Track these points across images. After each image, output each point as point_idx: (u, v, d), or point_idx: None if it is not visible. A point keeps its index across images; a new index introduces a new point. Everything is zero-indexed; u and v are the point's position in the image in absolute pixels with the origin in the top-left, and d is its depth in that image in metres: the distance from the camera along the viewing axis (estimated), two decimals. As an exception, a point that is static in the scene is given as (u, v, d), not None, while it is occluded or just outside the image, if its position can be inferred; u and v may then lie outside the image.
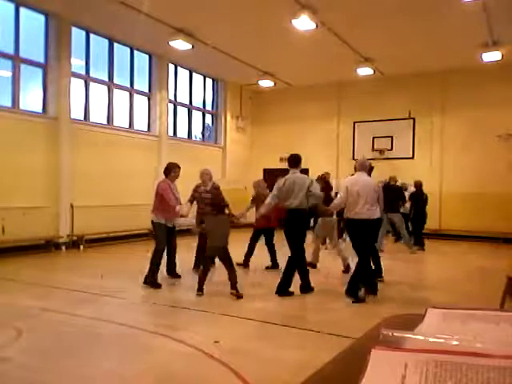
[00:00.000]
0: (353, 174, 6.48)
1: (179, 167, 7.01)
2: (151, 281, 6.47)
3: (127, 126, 12.44)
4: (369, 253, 6.13)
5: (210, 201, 6.94)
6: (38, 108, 10.30)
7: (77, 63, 10.97)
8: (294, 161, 6.37)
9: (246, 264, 8.10)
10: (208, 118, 15.87)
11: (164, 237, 6.70)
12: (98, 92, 11.65)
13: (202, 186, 7.63)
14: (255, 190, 8.35)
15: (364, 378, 0.56)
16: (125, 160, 11.75)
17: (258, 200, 7.84)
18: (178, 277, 7.11)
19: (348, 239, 7.18)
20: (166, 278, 7.05)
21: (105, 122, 11.77)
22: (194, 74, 14.72)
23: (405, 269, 8.69)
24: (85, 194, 10.59)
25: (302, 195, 6.03)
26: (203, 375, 3.58)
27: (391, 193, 9.99)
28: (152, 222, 6.78)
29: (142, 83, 12.97)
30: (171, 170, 6.89)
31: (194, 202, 7.55)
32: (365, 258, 5.97)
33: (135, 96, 12.70)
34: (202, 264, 6.36)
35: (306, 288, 6.16)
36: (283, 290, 5.99)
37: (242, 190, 15.69)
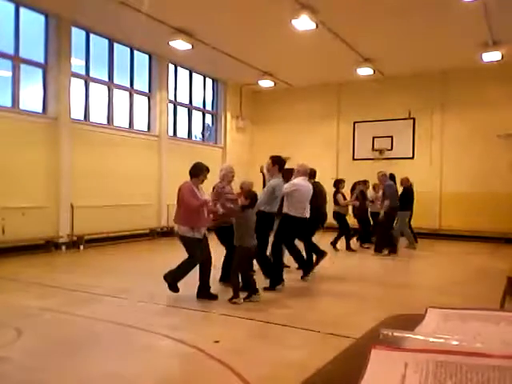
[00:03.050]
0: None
1: (208, 170, 6.02)
2: (170, 283, 5.81)
3: (127, 126, 12.44)
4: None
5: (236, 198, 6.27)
6: (38, 108, 10.29)
7: (77, 63, 10.97)
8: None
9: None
10: (208, 117, 15.87)
11: (198, 251, 5.71)
12: (98, 92, 11.65)
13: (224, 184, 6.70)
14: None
15: (364, 377, 0.56)
16: (125, 160, 11.74)
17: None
18: (213, 297, 5.84)
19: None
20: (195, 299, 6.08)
21: (105, 121, 11.76)
22: (194, 74, 14.72)
23: (404, 269, 8.70)
24: (85, 193, 10.59)
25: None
26: (203, 375, 3.58)
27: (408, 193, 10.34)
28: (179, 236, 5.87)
29: (142, 83, 12.97)
30: (201, 172, 5.89)
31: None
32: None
33: (135, 96, 12.70)
34: (237, 270, 5.61)
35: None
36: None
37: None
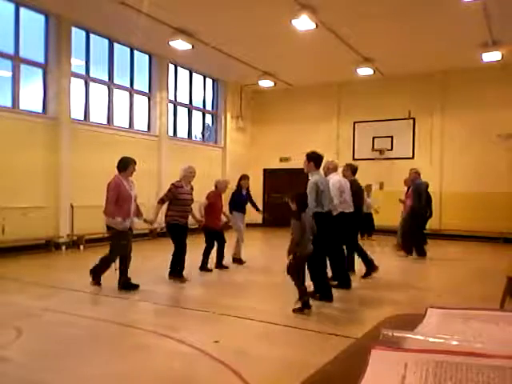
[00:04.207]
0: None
1: (135, 162, 6.45)
2: (94, 274, 6.34)
3: (127, 126, 12.44)
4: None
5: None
6: (38, 108, 10.30)
7: (77, 63, 10.97)
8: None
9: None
10: (208, 117, 15.87)
11: (121, 242, 6.32)
12: (98, 92, 11.65)
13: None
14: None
15: (364, 377, 0.56)
16: (125, 160, 11.74)
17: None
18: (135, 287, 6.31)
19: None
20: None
21: (105, 121, 11.76)
22: (194, 74, 14.72)
23: (404, 269, 8.70)
24: (85, 193, 10.57)
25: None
26: (203, 375, 3.58)
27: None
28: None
29: (142, 83, 12.97)
30: (128, 165, 6.35)
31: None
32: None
33: (135, 96, 12.70)
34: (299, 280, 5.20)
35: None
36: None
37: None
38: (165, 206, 7.03)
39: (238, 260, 8.41)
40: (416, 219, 9.45)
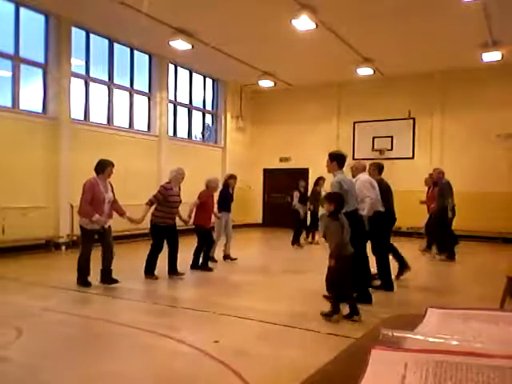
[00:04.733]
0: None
1: (113, 164, 6.54)
2: (82, 281, 6.40)
3: (127, 126, 12.44)
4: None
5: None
6: (38, 108, 10.29)
7: (77, 63, 10.97)
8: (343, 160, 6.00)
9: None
10: (208, 117, 15.87)
11: (89, 242, 6.51)
12: (98, 92, 11.65)
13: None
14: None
15: (364, 377, 0.56)
16: (125, 160, 11.72)
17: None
18: (115, 282, 6.51)
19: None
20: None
21: (105, 121, 11.76)
22: (194, 74, 14.72)
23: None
24: (85, 193, 10.58)
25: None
26: (203, 375, 3.58)
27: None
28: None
29: (142, 83, 12.97)
30: (105, 168, 6.43)
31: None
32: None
33: (135, 96, 12.70)
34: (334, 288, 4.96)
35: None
36: None
37: (246, 189, 15.73)
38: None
39: (228, 257, 8.81)
40: (443, 219, 9.30)
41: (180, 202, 7.29)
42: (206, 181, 8.15)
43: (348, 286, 4.95)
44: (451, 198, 9.38)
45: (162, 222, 7.02)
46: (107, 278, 6.48)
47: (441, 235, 9.47)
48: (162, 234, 7.07)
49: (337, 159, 5.86)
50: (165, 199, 6.98)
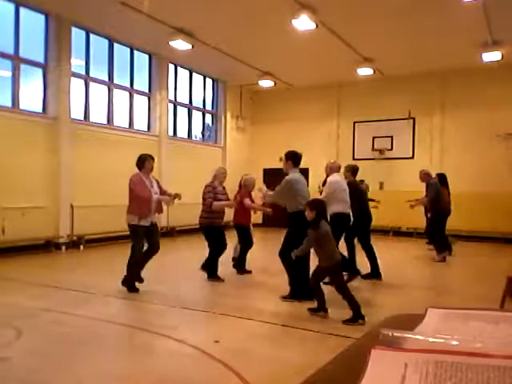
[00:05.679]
0: None
1: (153, 158, 6.46)
2: (128, 284, 6.08)
3: (127, 126, 12.44)
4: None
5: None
6: (38, 108, 10.29)
7: (77, 63, 10.97)
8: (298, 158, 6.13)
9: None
10: (208, 117, 15.87)
11: (141, 239, 6.13)
12: (98, 92, 11.65)
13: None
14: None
15: (364, 377, 0.56)
16: (125, 160, 11.70)
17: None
18: (141, 281, 6.26)
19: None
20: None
21: (105, 121, 11.76)
22: (194, 74, 14.72)
23: (404, 269, 8.69)
24: (85, 194, 10.59)
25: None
26: (203, 375, 3.58)
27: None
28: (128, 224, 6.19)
29: (142, 83, 12.97)
30: (143, 162, 6.31)
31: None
32: None
33: (135, 96, 12.70)
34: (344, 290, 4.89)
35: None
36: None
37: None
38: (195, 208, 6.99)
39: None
40: (436, 220, 9.33)
41: (228, 200, 7.18)
42: (243, 179, 7.80)
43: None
44: (441, 195, 9.25)
45: (216, 222, 6.91)
46: (129, 282, 6.14)
47: (437, 235, 9.40)
48: (217, 232, 6.96)
49: (291, 158, 6.04)
50: (215, 199, 6.88)
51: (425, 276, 8.25)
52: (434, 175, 9.82)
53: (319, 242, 4.81)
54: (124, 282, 6.10)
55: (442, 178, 10.11)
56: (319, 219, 4.83)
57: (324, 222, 4.90)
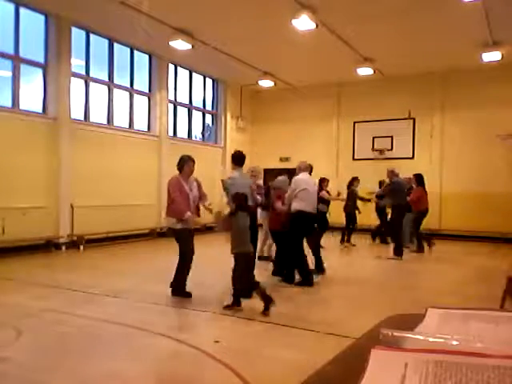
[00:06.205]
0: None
1: (193, 160, 6.11)
2: (179, 290, 5.85)
3: (127, 126, 12.44)
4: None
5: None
6: (38, 108, 10.29)
7: (77, 63, 10.97)
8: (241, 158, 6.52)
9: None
10: (208, 117, 15.87)
11: (188, 242, 5.86)
12: (98, 92, 11.65)
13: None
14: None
15: (364, 377, 0.56)
16: (125, 160, 11.74)
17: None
18: (188, 296, 5.94)
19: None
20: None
21: (105, 122, 11.76)
22: (194, 74, 14.72)
23: (404, 269, 8.69)
24: (85, 194, 10.59)
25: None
26: (203, 375, 3.58)
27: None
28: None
29: (142, 83, 12.97)
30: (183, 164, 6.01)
31: None
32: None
33: (135, 96, 12.70)
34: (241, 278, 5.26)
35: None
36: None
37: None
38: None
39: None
40: (396, 217, 9.58)
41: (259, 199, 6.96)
42: (251, 170, 7.60)
43: (248, 281, 5.35)
44: (401, 197, 9.62)
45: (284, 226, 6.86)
46: (180, 290, 5.88)
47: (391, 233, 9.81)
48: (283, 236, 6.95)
49: (232, 158, 6.59)
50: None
51: (424, 276, 8.25)
52: (411, 176, 10.51)
53: (233, 231, 5.34)
54: (174, 290, 5.86)
55: (419, 178, 10.45)
56: (237, 210, 5.39)
57: (242, 213, 5.38)
